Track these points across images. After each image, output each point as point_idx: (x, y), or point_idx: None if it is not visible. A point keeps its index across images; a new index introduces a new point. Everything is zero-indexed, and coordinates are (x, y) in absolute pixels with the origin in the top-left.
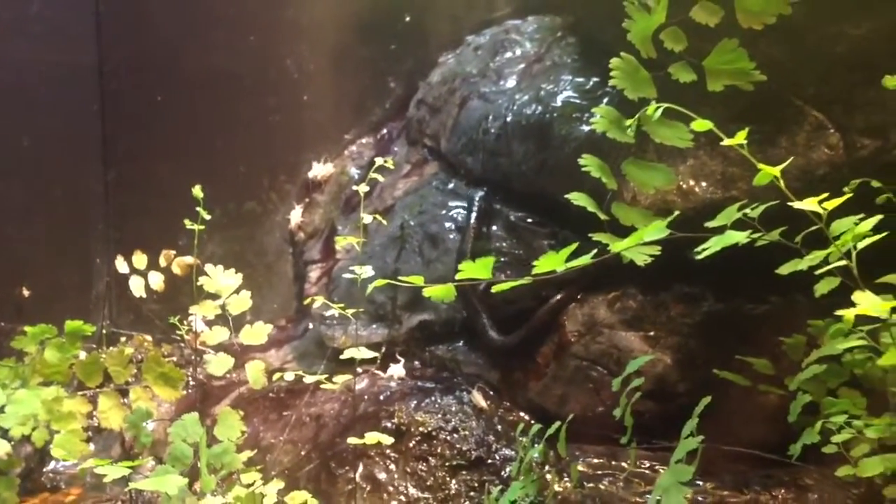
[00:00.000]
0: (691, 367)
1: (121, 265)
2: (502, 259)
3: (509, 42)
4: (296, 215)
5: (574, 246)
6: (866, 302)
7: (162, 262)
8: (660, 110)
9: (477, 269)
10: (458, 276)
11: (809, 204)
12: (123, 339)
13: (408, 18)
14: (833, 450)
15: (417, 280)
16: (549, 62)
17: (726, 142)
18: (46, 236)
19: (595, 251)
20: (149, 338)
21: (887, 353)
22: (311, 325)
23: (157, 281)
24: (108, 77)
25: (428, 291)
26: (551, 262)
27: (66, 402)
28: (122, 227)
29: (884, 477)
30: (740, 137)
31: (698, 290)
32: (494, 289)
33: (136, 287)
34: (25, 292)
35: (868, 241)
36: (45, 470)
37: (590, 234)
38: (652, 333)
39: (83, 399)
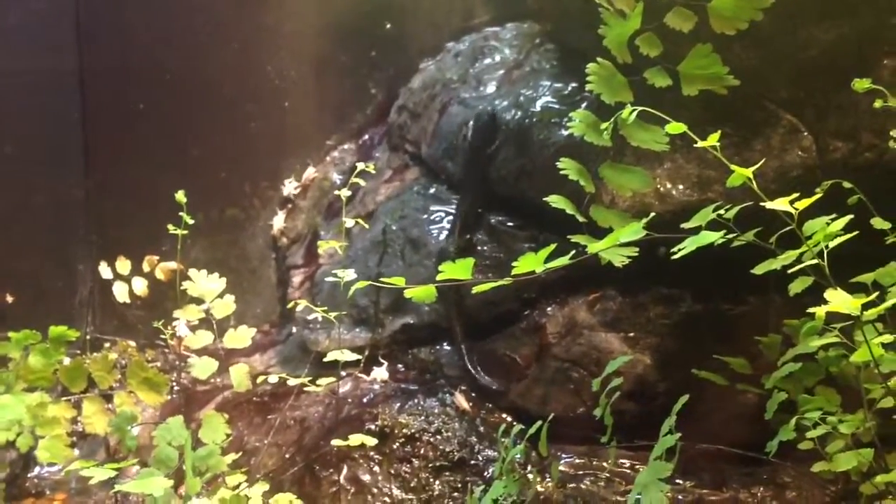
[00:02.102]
0: (670, 368)
1: (104, 271)
2: (484, 262)
3: (489, 48)
4: (278, 221)
5: (552, 247)
6: (838, 300)
7: (145, 267)
8: (635, 114)
9: (457, 270)
10: (438, 277)
11: (781, 204)
12: (107, 344)
13: (388, 25)
14: (809, 446)
15: (399, 281)
16: (528, 68)
17: (700, 144)
18: (29, 243)
19: (573, 252)
20: (132, 343)
21: (859, 350)
22: (294, 330)
23: (140, 286)
24: (90, 85)
25: (409, 293)
26: (530, 263)
27: (51, 407)
28: (105, 233)
29: (860, 473)
30: (713, 140)
31: (676, 292)
32: (475, 290)
33: (120, 292)
34: (9, 298)
35: (839, 240)
36: (29, 475)
37: (569, 237)
38: (631, 334)
39: (67, 404)
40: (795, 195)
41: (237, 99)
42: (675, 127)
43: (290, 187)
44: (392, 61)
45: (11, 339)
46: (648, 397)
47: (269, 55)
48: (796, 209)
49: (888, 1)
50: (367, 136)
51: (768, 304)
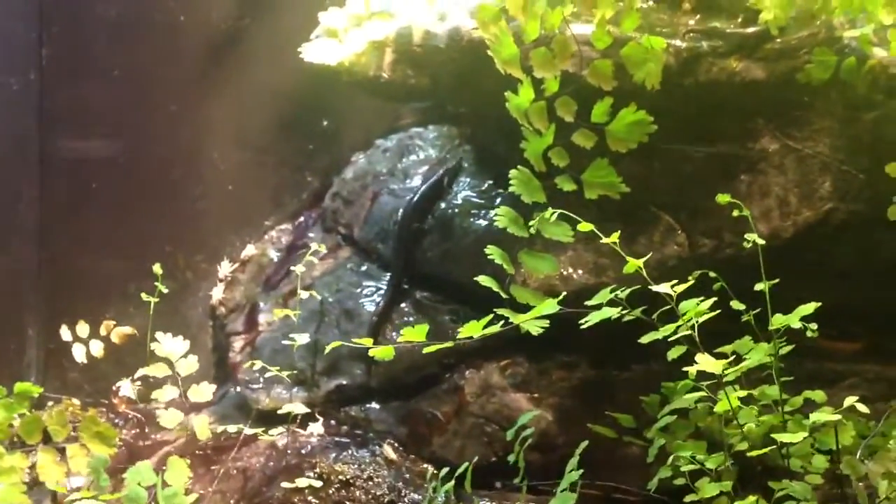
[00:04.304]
0: (569, 423)
1: (65, 333)
2: None
3: (414, 146)
4: (217, 292)
5: (490, 317)
6: (705, 362)
7: (102, 331)
8: (555, 215)
9: (415, 334)
10: (399, 339)
11: (664, 287)
12: (50, 402)
13: (325, 122)
14: (682, 482)
15: (367, 342)
16: (449, 166)
17: (605, 240)
18: None
19: (502, 321)
20: (76, 402)
21: (720, 402)
22: (231, 391)
23: (98, 349)
24: (48, 166)
25: (373, 352)
26: (472, 329)
27: (7, 457)
28: (53, 302)
29: None
30: (614, 237)
31: (574, 359)
32: (425, 350)
33: (79, 353)
34: None
35: (706, 316)
36: None
37: (494, 310)
38: (536, 395)
39: (24, 455)
40: (675, 281)
41: (185, 182)
42: (584, 226)
43: (226, 268)
44: (327, 153)
45: None
46: (550, 448)
47: (216, 143)
48: (675, 292)
49: (742, 129)
50: (302, 219)
51: (648, 371)
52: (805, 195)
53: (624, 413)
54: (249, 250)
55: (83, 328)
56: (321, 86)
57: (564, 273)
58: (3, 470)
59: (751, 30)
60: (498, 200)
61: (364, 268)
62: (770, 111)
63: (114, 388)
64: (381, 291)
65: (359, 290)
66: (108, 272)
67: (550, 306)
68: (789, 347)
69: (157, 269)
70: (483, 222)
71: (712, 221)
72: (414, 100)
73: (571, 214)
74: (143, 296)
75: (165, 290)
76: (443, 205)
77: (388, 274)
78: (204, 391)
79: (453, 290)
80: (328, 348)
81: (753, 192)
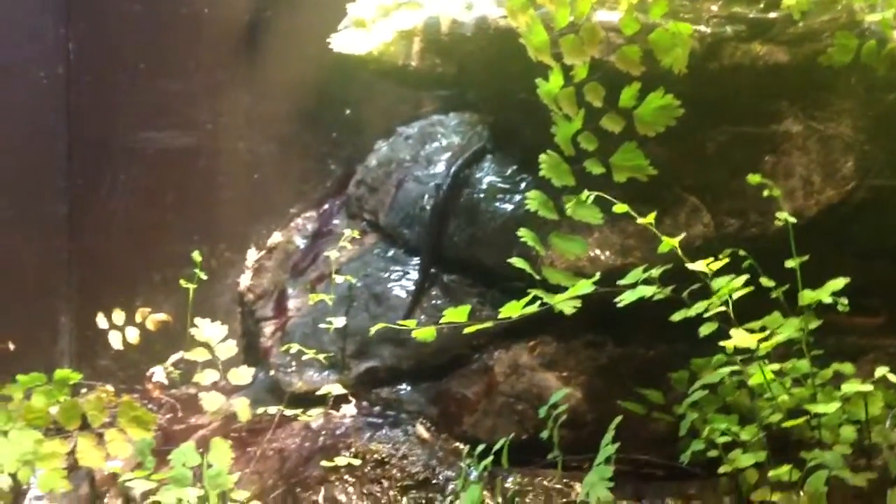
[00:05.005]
0: (597, 401)
1: (101, 321)
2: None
3: (435, 133)
4: (245, 279)
5: (529, 297)
6: (740, 336)
7: (138, 318)
8: (591, 197)
9: (457, 315)
10: (441, 321)
11: (699, 265)
12: (84, 389)
13: (347, 111)
14: (714, 454)
15: (410, 324)
16: (472, 152)
17: (640, 220)
18: (18, 299)
19: (539, 302)
20: (110, 388)
21: (754, 375)
22: (262, 375)
23: (133, 336)
24: (76, 159)
25: (416, 333)
26: (512, 309)
27: (47, 443)
28: (84, 291)
29: (749, 486)
30: (650, 218)
31: (602, 338)
32: (466, 330)
33: (115, 341)
34: (11, 346)
35: (742, 291)
36: None
37: (528, 291)
38: (565, 374)
39: (63, 440)
40: (710, 259)
41: (211, 172)
42: (620, 207)
43: (253, 255)
44: (350, 142)
45: (18, 381)
46: (579, 426)
47: (241, 134)
48: (710, 269)
49: (765, 111)
50: (326, 206)
51: (673, 350)
52: (828, 175)
53: (651, 390)
54: (276, 238)
55: (119, 316)
56: (343, 76)
57: (592, 255)
58: (43, 455)
59: (773, 14)
60: (523, 185)
61: (391, 253)
62: (793, 93)
63: (147, 374)
64: (409, 276)
65: (386, 274)
66: (136, 262)
67: (586, 286)
68: (818, 322)
69: (196, 256)
70: (509, 206)
71: (737, 202)
72: (441, 88)
73: (605, 195)
74: (182, 282)
75: (204, 277)
76: (468, 190)
77: (415, 259)
78: (243, 374)
79: (480, 273)
80: (372, 330)
81: (777, 172)
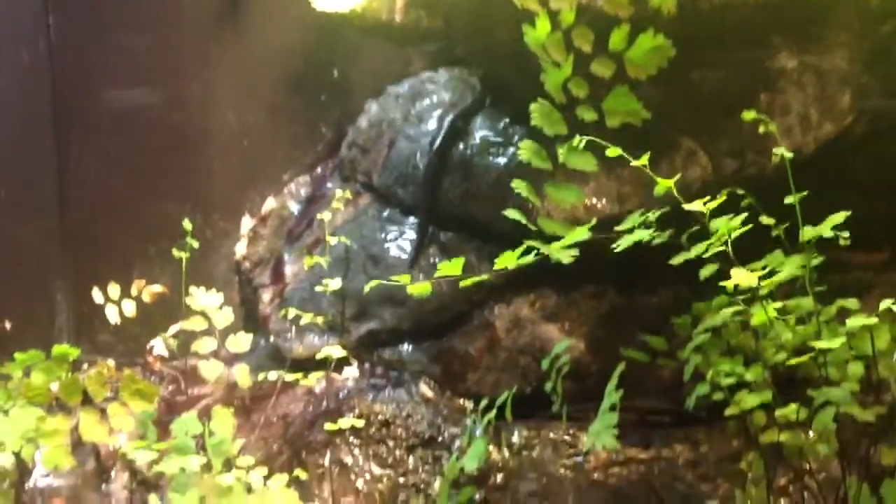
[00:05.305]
0: (600, 351)
1: (97, 296)
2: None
3: (426, 91)
4: (241, 247)
5: (524, 247)
6: (741, 275)
7: (133, 291)
8: (583, 142)
9: (451, 268)
10: (436, 275)
11: (696, 206)
12: (85, 365)
13: (335, 73)
14: (719, 397)
15: (405, 278)
16: (463, 108)
17: (634, 163)
18: (15, 277)
19: (535, 251)
20: (111, 362)
21: (757, 315)
22: (262, 342)
23: (130, 309)
24: (63, 135)
25: (411, 289)
26: (507, 259)
27: (50, 420)
28: (79, 267)
29: (757, 427)
30: (644, 160)
31: (602, 288)
32: (463, 284)
33: (112, 314)
34: (8, 325)
35: (741, 230)
36: (26, 487)
37: (524, 241)
38: (567, 325)
39: (66, 416)
40: (707, 198)
41: (200, 141)
42: (613, 151)
43: (247, 223)
44: (339, 103)
45: (17, 360)
46: (583, 376)
47: (229, 101)
48: (708, 209)
49: (758, 48)
50: (319, 170)
51: (676, 294)
52: (825, 110)
53: (654, 336)
54: (269, 204)
55: (114, 289)
56: (329, 37)
57: (588, 203)
58: (47, 433)
59: None
60: (516, 138)
61: (385, 213)
62: (785, 29)
63: (147, 346)
64: (405, 235)
65: (382, 235)
66: (130, 235)
67: (581, 233)
68: (821, 258)
69: (186, 224)
70: (502, 160)
71: (734, 142)
72: (428, 43)
73: (598, 140)
74: (174, 252)
75: (196, 245)
76: (461, 145)
77: (411, 218)
78: (242, 341)
79: (476, 228)
80: (367, 287)
81: (774, 110)
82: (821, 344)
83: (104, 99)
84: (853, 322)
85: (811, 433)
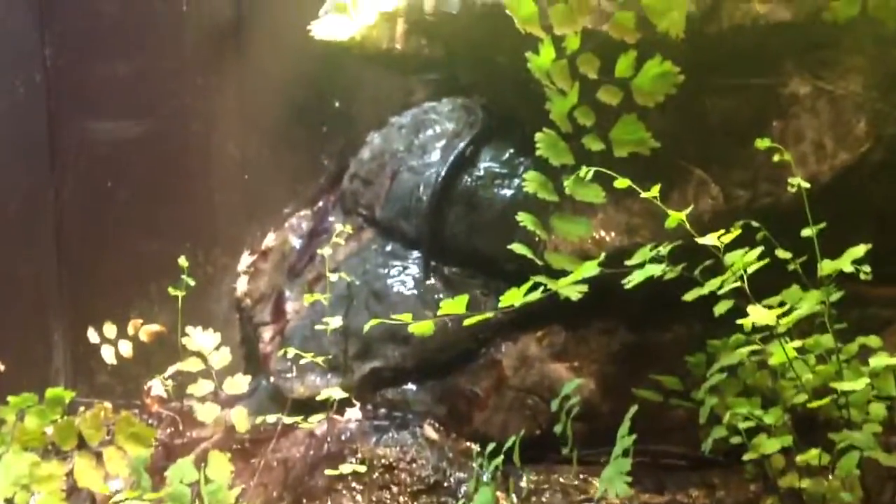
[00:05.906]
0: (611, 390)
1: (92, 336)
2: None
3: (429, 121)
4: (242, 284)
5: (530, 283)
6: (758, 313)
7: (130, 330)
8: (590, 173)
9: (454, 306)
10: (440, 312)
11: (710, 239)
12: (81, 407)
13: (337, 104)
14: (736, 441)
15: (407, 317)
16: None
17: (644, 194)
18: (11, 316)
19: (542, 287)
20: (108, 404)
21: (776, 354)
22: (263, 382)
23: (126, 349)
24: (60, 170)
25: (413, 328)
26: (512, 297)
27: (45, 465)
28: (76, 306)
29: (776, 471)
30: (654, 191)
31: (613, 324)
32: (466, 323)
33: (108, 355)
34: (1, 367)
35: (757, 264)
36: None
37: (531, 276)
38: (576, 363)
39: (60, 462)
40: (722, 231)
41: (200, 175)
42: (621, 182)
43: (247, 259)
44: (341, 135)
45: (10, 403)
46: (593, 417)
47: (229, 134)
48: (722, 243)
49: (771, 74)
50: (321, 203)
51: (690, 331)
52: (840, 137)
53: (668, 376)
54: (270, 239)
55: (110, 329)
56: (330, 68)
57: (597, 236)
58: (41, 478)
59: None
60: (521, 169)
61: (389, 248)
62: (798, 53)
63: (145, 387)
64: (408, 270)
65: (385, 270)
66: (128, 271)
67: (591, 268)
68: (840, 293)
69: (182, 261)
70: (508, 192)
71: (746, 171)
72: (429, 71)
73: (606, 170)
74: (171, 290)
75: (192, 283)
76: (466, 178)
77: (415, 252)
78: (239, 383)
79: (482, 263)
80: (366, 327)
81: (787, 137)
82: (844, 386)
83: (101, 131)
84: (877, 362)
85: (833, 478)
